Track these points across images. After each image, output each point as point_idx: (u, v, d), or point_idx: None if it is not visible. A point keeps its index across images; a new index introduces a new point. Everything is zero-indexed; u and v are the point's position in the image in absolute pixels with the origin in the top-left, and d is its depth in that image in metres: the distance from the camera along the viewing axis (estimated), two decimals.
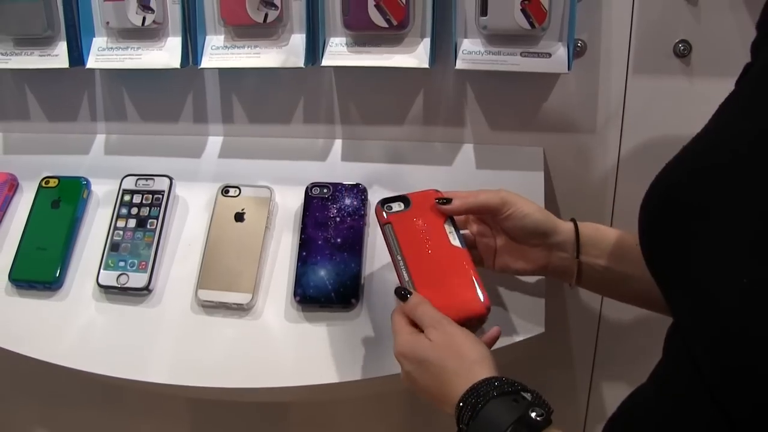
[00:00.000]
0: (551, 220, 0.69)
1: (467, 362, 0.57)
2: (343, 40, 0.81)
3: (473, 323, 0.62)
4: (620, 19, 0.79)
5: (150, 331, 0.78)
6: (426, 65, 0.78)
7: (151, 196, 0.85)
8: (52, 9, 0.86)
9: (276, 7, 0.80)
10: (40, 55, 0.88)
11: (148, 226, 0.83)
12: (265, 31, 0.83)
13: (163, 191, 0.85)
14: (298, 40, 0.82)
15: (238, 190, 0.84)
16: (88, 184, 0.89)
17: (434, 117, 0.87)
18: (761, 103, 0.45)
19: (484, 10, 0.76)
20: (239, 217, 0.82)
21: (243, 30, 0.83)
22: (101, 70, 0.93)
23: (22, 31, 0.88)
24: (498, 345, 0.66)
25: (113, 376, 0.76)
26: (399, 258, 0.66)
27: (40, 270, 0.83)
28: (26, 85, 0.97)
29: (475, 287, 0.64)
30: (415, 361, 0.59)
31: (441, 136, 0.88)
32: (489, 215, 0.70)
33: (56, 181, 0.88)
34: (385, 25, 0.78)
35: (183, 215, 0.87)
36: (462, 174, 0.85)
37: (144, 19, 0.84)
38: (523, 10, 0.74)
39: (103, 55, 0.87)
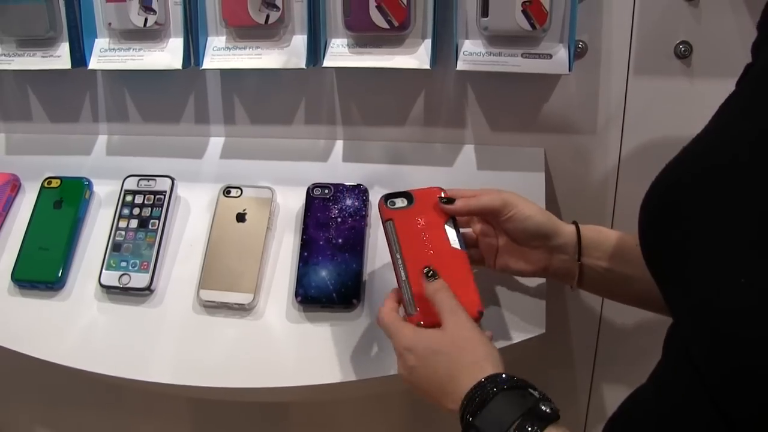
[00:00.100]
0: (553, 222, 0.69)
1: (479, 357, 0.57)
2: (345, 41, 0.81)
3: None
4: (621, 20, 0.79)
5: (152, 331, 0.79)
6: (427, 66, 0.78)
7: (152, 196, 0.85)
8: (55, 10, 0.86)
9: (277, 8, 0.80)
10: (43, 56, 0.88)
11: (150, 227, 0.83)
12: (267, 32, 0.83)
13: (165, 192, 0.85)
14: (300, 41, 0.82)
15: (239, 191, 0.84)
16: (90, 185, 0.89)
17: (435, 118, 0.88)
18: (761, 104, 0.45)
19: (485, 11, 0.76)
20: (241, 217, 0.82)
21: (244, 31, 0.84)
22: (103, 71, 0.93)
23: (24, 32, 0.88)
24: (499, 345, 0.66)
25: (115, 375, 0.76)
26: (398, 255, 0.66)
27: (43, 270, 0.83)
28: (28, 85, 0.98)
29: (470, 291, 0.63)
30: (425, 352, 0.58)
31: (442, 137, 0.88)
32: (491, 216, 0.70)
33: (58, 181, 0.89)
34: (386, 26, 0.78)
35: (185, 216, 0.87)
36: (463, 175, 0.86)
37: (146, 20, 0.84)
38: (524, 12, 0.74)
39: (105, 56, 0.87)
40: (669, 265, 0.47)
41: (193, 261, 0.82)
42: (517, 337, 0.74)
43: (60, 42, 0.88)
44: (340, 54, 0.81)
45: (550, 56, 0.76)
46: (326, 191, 0.83)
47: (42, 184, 0.89)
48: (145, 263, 0.81)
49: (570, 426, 0.51)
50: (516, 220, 0.67)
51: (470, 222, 0.73)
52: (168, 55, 0.85)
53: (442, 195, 0.69)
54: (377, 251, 0.80)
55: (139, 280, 0.80)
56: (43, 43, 0.88)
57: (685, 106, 0.81)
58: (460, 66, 0.78)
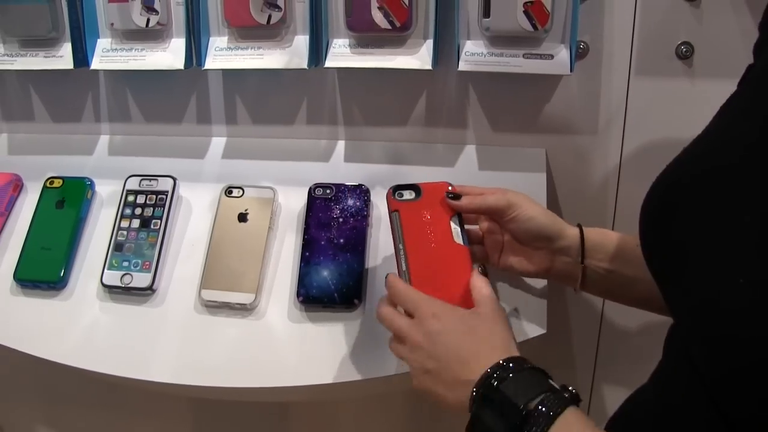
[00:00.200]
0: (557, 224, 0.69)
1: (507, 341, 0.58)
2: (347, 41, 0.82)
3: None
4: (622, 21, 0.79)
5: (153, 330, 0.79)
6: (429, 67, 0.78)
7: (154, 196, 0.85)
8: (57, 10, 0.87)
9: (279, 8, 0.80)
10: (45, 57, 0.88)
11: (152, 227, 0.83)
12: (269, 33, 0.83)
13: (167, 192, 0.85)
14: (302, 42, 0.82)
15: (241, 191, 0.84)
16: (92, 185, 0.89)
17: (437, 118, 0.88)
18: (762, 105, 0.45)
19: (486, 12, 0.76)
20: (242, 217, 0.82)
21: (246, 31, 0.84)
22: (105, 71, 0.93)
23: (27, 33, 0.88)
24: None
25: (117, 375, 0.76)
26: (400, 246, 0.66)
27: (45, 270, 0.83)
28: (31, 86, 0.98)
29: (468, 287, 0.64)
30: (454, 323, 0.58)
31: (443, 138, 0.88)
32: (495, 216, 0.70)
33: (60, 181, 0.89)
34: (388, 26, 0.78)
35: (186, 215, 0.87)
36: (464, 175, 0.86)
37: (148, 20, 0.84)
38: (525, 12, 0.75)
39: (108, 56, 0.87)
40: (669, 265, 0.47)
41: (195, 261, 0.82)
42: (518, 337, 0.73)
43: (62, 42, 0.88)
44: (341, 54, 0.81)
45: (552, 57, 0.77)
46: (328, 191, 0.83)
47: (44, 184, 0.89)
48: (147, 263, 0.81)
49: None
50: (519, 221, 0.68)
51: (477, 219, 0.73)
52: (170, 56, 0.85)
53: (450, 190, 0.70)
54: (379, 251, 0.80)
55: (141, 279, 0.81)
56: (46, 43, 0.88)
57: (687, 107, 0.81)
58: (462, 66, 0.78)
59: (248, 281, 0.78)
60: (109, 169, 0.92)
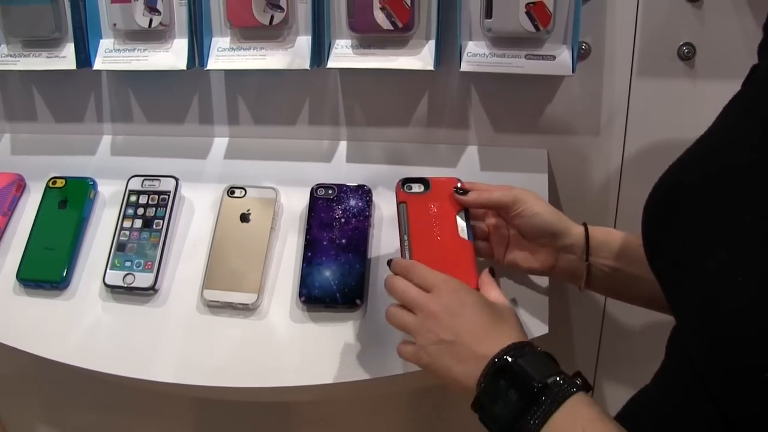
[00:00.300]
0: (562, 222, 0.69)
1: (521, 331, 0.59)
2: (349, 42, 0.82)
3: None
4: (624, 21, 0.79)
5: (156, 330, 0.79)
6: (431, 67, 0.79)
7: (157, 196, 0.85)
8: (60, 11, 0.87)
9: (282, 9, 0.81)
10: (48, 57, 0.89)
11: (154, 227, 0.83)
12: (271, 33, 0.83)
13: (169, 192, 0.85)
14: (304, 42, 0.82)
15: (243, 191, 0.84)
16: (94, 185, 0.89)
17: (439, 119, 0.88)
18: (766, 105, 0.45)
19: (488, 13, 0.76)
20: (245, 217, 0.83)
21: (249, 32, 0.84)
22: (108, 71, 0.93)
23: (30, 33, 0.88)
24: None
25: (119, 375, 0.76)
26: (405, 238, 0.68)
27: (48, 270, 0.83)
28: (34, 86, 0.98)
29: (471, 282, 0.65)
30: (475, 303, 0.59)
31: (445, 138, 0.89)
32: (502, 211, 0.71)
33: (63, 181, 0.89)
34: (390, 27, 0.78)
35: (189, 216, 0.87)
36: (466, 176, 0.85)
37: (151, 20, 0.84)
38: (527, 13, 0.75)
39: (110, 56, 0.87)
40: (671, 265, 0.48)
41: (197, 261, 0.83)
42: None
43: (65, 43, 0.88)
44: (344, 55, 0.81)
45: (554, 58, 0.77)
46: (330, 192, 0.83)
47: (47, 184, 0.89)
48: (150, 263, 0.81)
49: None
50: (525, 216, 0.69)
51: (485, 215, 0.74)
52: (172, 56, 0.85)
53: (458, 186, 0.71)
54: (381, 252, 0.80)
55: (143, 279, 0.81)
56: (49, 43, 0.89)
57: (688, 108, 0.81)
58: (464, 67, 0.78)
59: (250, 281, 0.79)
60: (112, 169, 0.92)
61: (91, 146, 0.97)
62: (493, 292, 0.63)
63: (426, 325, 0.58)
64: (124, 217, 0.85)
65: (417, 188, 0.72)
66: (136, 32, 0.86)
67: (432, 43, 0.79)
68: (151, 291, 0.81)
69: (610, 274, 0.68)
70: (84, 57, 0.87)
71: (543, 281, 0.77)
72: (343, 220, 0.81)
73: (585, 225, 0.70)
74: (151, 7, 0.84)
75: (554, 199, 0.88)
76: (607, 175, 0.87)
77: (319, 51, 0.82)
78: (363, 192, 0.83)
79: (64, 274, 0.83)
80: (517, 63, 0.77)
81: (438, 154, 0.88)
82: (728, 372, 0.40)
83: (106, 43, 0.88)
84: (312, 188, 0.83)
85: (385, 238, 0.81)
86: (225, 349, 0.77)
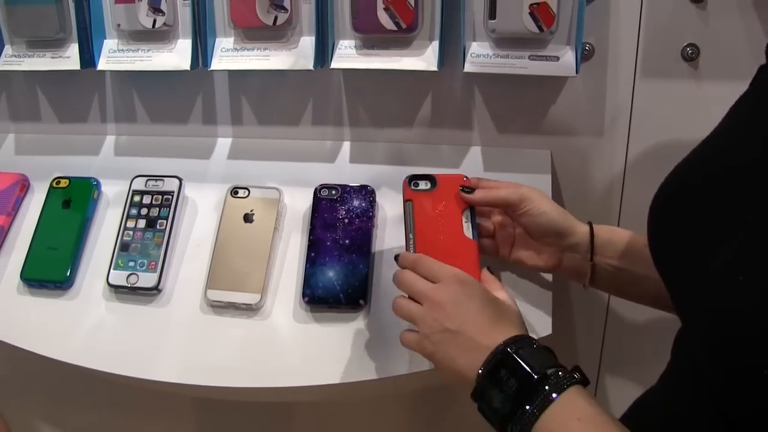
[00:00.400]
0: (568, 221, 0.70)
1: (521, 320, 0.61)
2: (352, 42, 0.82)
3: None
4: (628, 22, 0.79)
5: (159, 330, 0.79)
6: (434, 68, 0.79)
7: (160, 196, 0.85)
8: (65, 11, 0.87)
9: (285, 9, 0.81)
10: (52, 57, 0.89)
11: (158, 227, 0.84)
12: (275, 34, 0.83)
13: (173, 192, 0.85)
14: (308, 43, 0.82)
15: (247, 191, 0.84)
16: (98, 185, 0.89)
17: (442, 119, 0.88)
18: None
19: (492, 14, 0.76)
20: (248, 218, 0.83)
21: (253, 32, 0.84)
22: (112, 71, 0.93)
23: (34, 34, 0.89)
24: None
25: (122, 374, 0.76)
26: (410, 236, 0.68)
27: (51, 269, 0.83)
28: (38, 86, 0.98)
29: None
30: (481, 297, 0.59)
31: (449, 139, 0.89)
32: (508, 209, 0.71)
33: (67, 181, 0.89)
34: (394, 28, 0.78)
35: (192, 216, 0.87)
36: (470, 176, 0.86)
37: (154, 21, 0.84)
38: (531, 14, 0.75)
39: (114, 56, 0.87)
40: (676, 266, 0.48)
41: (201, 261, 0.83)
42: None
43: (69, 43, 0.88)
44: (347, 55, 0.81)
45: (557, 58, 0.77)
46: (333, 192, 0.83)
47: (51, 184, 0.89)
48: (153, 263, 0.82)
49: None
50: (531, 215, 0.69)
51: (491, 213, 0.74)
52: (176, 56, 0.85)
53: (464, 184, 0.71)
54: (384, 252, 0.80)
55: (146, 279, 0.81)
56: (53, 44, 0.89)
57: (692, 109, 0.81)
58: (468, 68, 0.78)
59: (254, 281, 0.79)
60: (115, 170, 0.92)
61: (94, 146, 0.97)
62: (498, 289, 0.63)
63: (431, 314, 0.59)
64: (128, 217, 0.85)
65: (424, 185, 0.72)
66: (140, 32, 0.86)
67: (435, 44, 0.79)
68: (154, 291, 0.81)
69: (615, 274, 0.69)
70: (88, 57, 0.87)
71: (546, 284, 0.77)
72: (346, 220, 0.81)
73: (590, 224, 0.70)
74: (155, 8, 0.84)
75: (557, 200, 0.88)
76: (611, 176, 0.87)
77: (323, 51, 0.82)
78: (366, 192, 0.83)
79: (68, 273, 0.83)
80: (520, 64, 0.77)
81: (441, 155, 0.88)
82: (729, 371, 0.40)
83: (110, 44, 0.88)
84: (315, 189, 0.84)
85: (388, 238, 0.81)
86: (228, 349, 0.77)
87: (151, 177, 0.87)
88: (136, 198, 0.86)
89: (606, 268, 0.69)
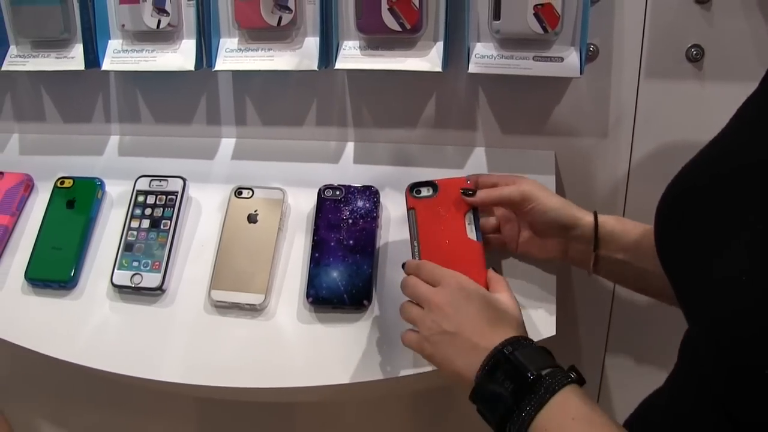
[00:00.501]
0: (572, 214, 0.70)
1: (521, 321, 0.62)
2: (357, 43, 0.82)
3: None
4: (633, 23, 0.79)
5: (163, 330, 0.79)
6: (439, 69, 0.79)
7: (164, 197, 0.85)
8: (69, 12, 0.87)
9: (290, 10, 0.81)
10: (57, 57, 0.89)
11: (162, 227, 0.84)
12: (279, 34, 0.83)
13: (177, 192, 0.85)
14: (312, 43, 0.82)
15: (251, 192, 0.84)
16: (102, 185, 0.90)
17: (446, 120, 0.88)
18: None
19: (497, 15, 0.76)
20: (252, 218, 0.83)
21: (257, 33, 0.84)
22: (116, 72, 0.93)
23: (39, 34, 0.89)
24: None
25: (126, 374, 0.76)
26: (415, 243, 0.70)
27: (55, 269, 0.84)
28: (42, 86, 0.98)
29: (480, 282, 0.65)
30: (479, 299, 0.60)
31: (453, 140, 0.89)
32: (511, 208, 0.72)
33: (71, 181, 0.89)
34: (398, 28, 0.78)
35: (196, 216, 0.87)
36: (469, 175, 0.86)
37: (159, 21, 0.84)
38: (535, 15, 0.75)
39: (119, 57, 0.87)
40: (682, 267, 0.48)
41: (205, 261, 0.83)
42: None
43: (74, 43, 0.89)
44: (351, 56, 0.81)
45: (562, 59, 0.77)
46: (337, 193, 0.83)
47: (55, 184, 0.89)
48: (157, 263, 0.82)
49: None
50: (536, 213, 0.70)
51: (495, 208, 0.76)
52: (180, 57, 0.85)
53: (465, 187, 0.72)
54: (388, 253, 0.80)
55: (150, 279, 0.81)
56: (58, 44, 0.89)
57: (697, 110, 0.81)
58: (472, 69, 0.78)
59: (258, 282, 0.79)
60: (119, 170, 0.92)
61: (99, 146, 0.97)
62: (502, 290, 0.64)
63: (430, 316, 0.61)
64: (132, 217, 0.85)
65: (426, 192, 0.73)
66: (144, 33, 0.86)
67: (440, 45, 0.79)
68: (158, 291, 0.81)
69: (619, 266, 0.69)
70: (92, 57, 0.87)
71: (550, 283, 0.77)
72: (350, 221, 0.81)
73: (595, 214, 0.70)
74: (160, 8, 0.84)
75: None
76: (615, 177, 0.87)
77: (327, 52, 0.82)
78: (370, 193, 0.83)
79: (72, 273, 0.83)
80: (524, 65, 0.77)
81: (445, 156, 0.88)
82: (732, 371, 0.40)
83: (114, 44, 0.88)
84: (319, 189, 0.84)
85: (392, 239, 0.81)
86: (232, 349, 0.77)
87: (155, 177, 0.87)
88: (140, 198, 0.86)
89: (610, 260, 0.69)
